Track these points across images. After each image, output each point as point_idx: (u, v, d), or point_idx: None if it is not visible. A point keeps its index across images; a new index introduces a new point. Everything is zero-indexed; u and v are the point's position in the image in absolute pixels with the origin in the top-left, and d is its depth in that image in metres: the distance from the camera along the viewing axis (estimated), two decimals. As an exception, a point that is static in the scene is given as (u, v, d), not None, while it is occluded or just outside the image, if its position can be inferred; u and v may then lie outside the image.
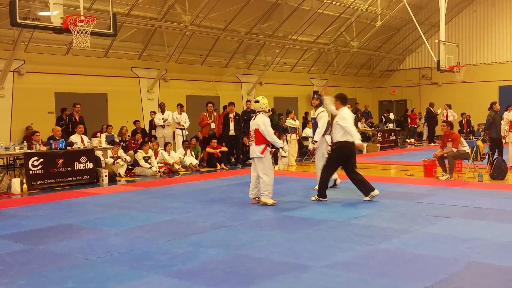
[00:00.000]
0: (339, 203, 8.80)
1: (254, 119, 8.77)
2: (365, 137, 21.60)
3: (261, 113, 8.74)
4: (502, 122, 13.62)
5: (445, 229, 6.71)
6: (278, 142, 8.80)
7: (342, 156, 8.83)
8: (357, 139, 8.68)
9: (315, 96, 10.46)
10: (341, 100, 8.99)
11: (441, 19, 19.86)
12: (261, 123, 8.56)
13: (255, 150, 8.61)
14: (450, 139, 11.54)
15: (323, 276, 4.93)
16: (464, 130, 22.61)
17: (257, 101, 8.85)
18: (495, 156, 12.21)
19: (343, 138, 8.68)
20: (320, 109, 10.18)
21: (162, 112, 16.09)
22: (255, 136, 8.63)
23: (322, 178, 8.95)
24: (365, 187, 8.75)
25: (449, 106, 22.16)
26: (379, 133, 21.16)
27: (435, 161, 11.80)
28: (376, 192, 8.74)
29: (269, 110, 9.49)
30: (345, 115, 8.78)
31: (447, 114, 21.31)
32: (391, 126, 22.69)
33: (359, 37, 24.52)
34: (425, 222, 7.15)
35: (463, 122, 23.19)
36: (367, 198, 8.75)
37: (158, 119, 15.98)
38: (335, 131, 8.83)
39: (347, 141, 8.67)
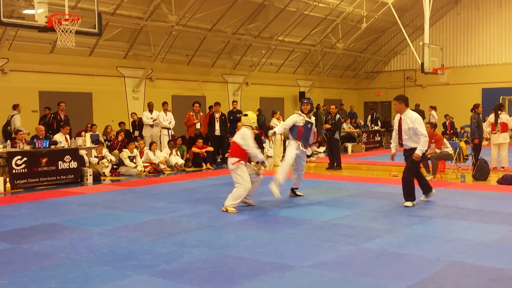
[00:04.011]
0: (323, 203, 8.84)
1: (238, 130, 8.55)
2: (350, 137, 21.74)
3: (244, 127, 8.44)
4: (484, 124, 13.79)
5: (427, 229, 6.79)
6: (259, 157, 8.34)
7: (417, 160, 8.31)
8: (420, 150, 8.15)
9: (305, 101, 9.36)
10: (405, 102, 8.39)
11: (426, 22, 20.06)
12: (240, 137, 8.30)
13: (228, 161, 8.46)
14: (433, 140, 11.66)
15: (307, 275, 4.96)
16: (447, 131, 22.83)
17: (246, 115, 8.53)
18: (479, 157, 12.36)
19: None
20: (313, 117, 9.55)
21: (151, 111, 16.06)
22: (231, 148, 8.49)
23: (407, 184, 8.33)
24: (411, 192, 8.38)
25: (434, 108, 22.37)
26: (364, 134, 21.30)
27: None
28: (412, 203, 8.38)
29: (256, 127, 8.87)
30: (419, 120, 8.24)
31: (430, 116, 21.57)
32: (376, 127, 22.85)
33: (345, 39, 24.66)
34: (408, 222, 7.22)
35: (447, 123, 23.41)
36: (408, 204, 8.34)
37: (147, 118, 15.94)
38: (409, 138, 8.26)
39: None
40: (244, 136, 8.28)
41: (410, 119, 8.22)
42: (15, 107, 14.73)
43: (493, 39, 25.56)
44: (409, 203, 8.33)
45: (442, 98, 25.63)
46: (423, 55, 19.37)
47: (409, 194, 8.36)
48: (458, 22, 26.53)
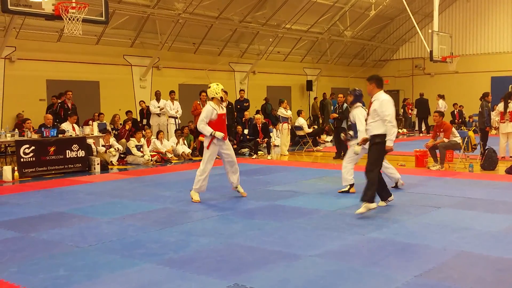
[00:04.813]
0: (330, 193, 8.83)
1: None
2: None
3: (209, 102, 8.25)
4: (492, 113, 13.71)
5: (435, 219, 6.77)
6: (206, 131, 8.02)
7: (384, 150, 7.03)
8: (389, 140, 6.91)
9: (349, 92, 8.92)
10: (377, 82, 7.19)
11: (435, 9, 19.86)
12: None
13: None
14: (442, 130, 11.61)
15: (314, 264, 4.97)
16: (456, 120, 22.70)
17: (209, 87, 8.27)
18: (486, 147, 12.30)
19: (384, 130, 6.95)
20: (359, 108, 8.91)
21: (158, 100, 16.05)
22: None
23: (371, 180, 7.01)
24: (372, 192, 7.07)
25: (442, 97, 22.21)
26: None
27: (427, 151, 11.87)
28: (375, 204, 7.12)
29: (221, 98, 8.27)
30: (387, 101, 7.00)
31: (437, 105, 21.46)
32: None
33: (353, 26, 24.47)
34: (416, 211, 7.20)
35: (455, 112, 23.27)
36: (381, 203, 7.50)
37: (154, 107, 15.94)
38: (374, 122, 7.03)
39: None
40: (204, 110, 8.16)
41: (378, 100, 7.02)
42: (60, 96, 15.06)
43: (502, 27, 25.29)
44: (373, 205, 6.88)
45: (451, 86, 25.45)
46: (432, 43, 19.20)
47: (368, 194, 6.89)
48: (467, 9, 26.26)
